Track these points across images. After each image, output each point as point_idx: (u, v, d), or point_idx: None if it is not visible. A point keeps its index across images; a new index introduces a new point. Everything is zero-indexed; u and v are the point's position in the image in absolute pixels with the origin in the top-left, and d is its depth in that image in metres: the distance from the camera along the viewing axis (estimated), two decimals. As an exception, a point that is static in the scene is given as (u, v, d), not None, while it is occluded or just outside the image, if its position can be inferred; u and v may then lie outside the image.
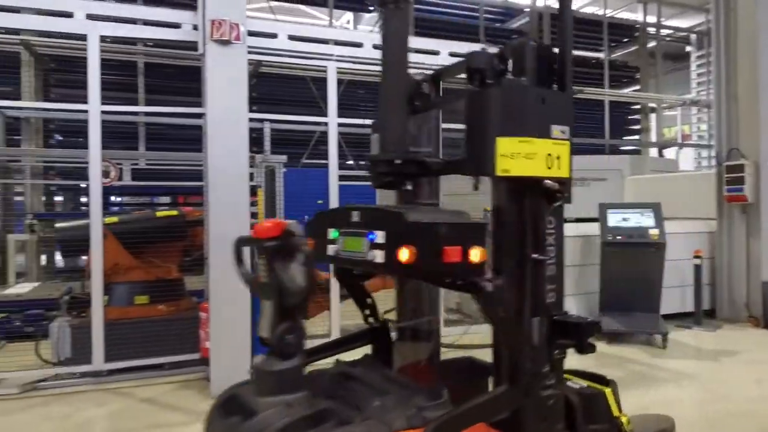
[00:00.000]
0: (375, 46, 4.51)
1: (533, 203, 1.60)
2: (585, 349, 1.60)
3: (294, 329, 1.49)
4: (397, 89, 1.77)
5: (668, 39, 11.98)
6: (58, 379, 4.03)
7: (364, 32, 7.31)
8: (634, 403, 2.66)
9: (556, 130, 1.61)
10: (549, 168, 1.59)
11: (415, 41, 4.48)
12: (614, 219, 5.22)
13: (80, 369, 4.03)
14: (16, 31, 6.28)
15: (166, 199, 7.93)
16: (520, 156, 1.53)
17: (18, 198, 7.49)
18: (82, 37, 3.94)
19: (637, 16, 11.33)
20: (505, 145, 1.52)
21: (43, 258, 7.13)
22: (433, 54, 4.80)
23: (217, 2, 3.82)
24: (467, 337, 4.56)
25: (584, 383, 1.93)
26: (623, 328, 4.96)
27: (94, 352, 3.93)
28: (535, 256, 1.59)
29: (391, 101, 1.76)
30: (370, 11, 9.72)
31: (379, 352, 1.90)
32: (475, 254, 1.42)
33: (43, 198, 7.92)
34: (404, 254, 1.37)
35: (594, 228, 5.27)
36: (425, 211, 1.63)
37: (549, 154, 1.59)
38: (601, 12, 10.64)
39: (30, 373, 4.03)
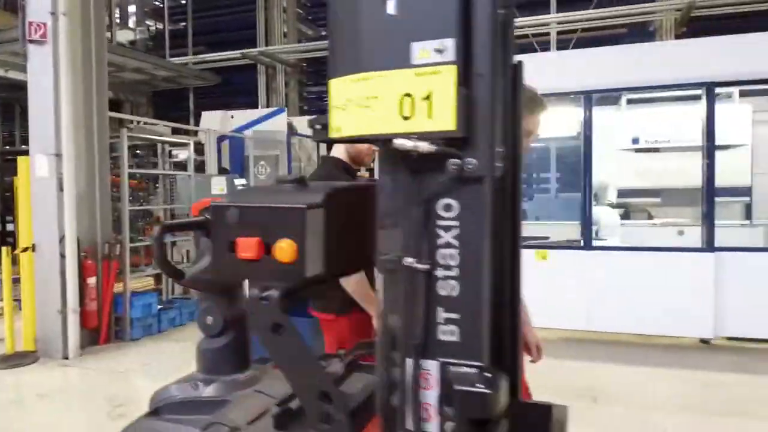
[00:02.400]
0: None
1: (404, 177, 0.98)
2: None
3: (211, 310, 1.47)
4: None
5: None
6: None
7: None
8: None
9: (422, 50, 0.92)
10: (406, 118, 0.94)
11: None
12: None
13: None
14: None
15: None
16: (353, 104, 0.98)
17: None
18: None
19: None
20: (337, 89, 1.00)
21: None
22: None
23: None
24: None
25: None
26: None
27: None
28: (409, 261, 0.99)
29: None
30: None
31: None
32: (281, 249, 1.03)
33: None
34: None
35: None
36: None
37: (407, 95, 0.93)
38: None
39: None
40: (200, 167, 9.41)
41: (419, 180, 0.97)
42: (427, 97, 0.92)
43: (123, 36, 10.89)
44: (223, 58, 11.57)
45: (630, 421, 3.43)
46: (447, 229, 0.97)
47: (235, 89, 12.30)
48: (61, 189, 4.89)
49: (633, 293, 5.00)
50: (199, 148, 11.84)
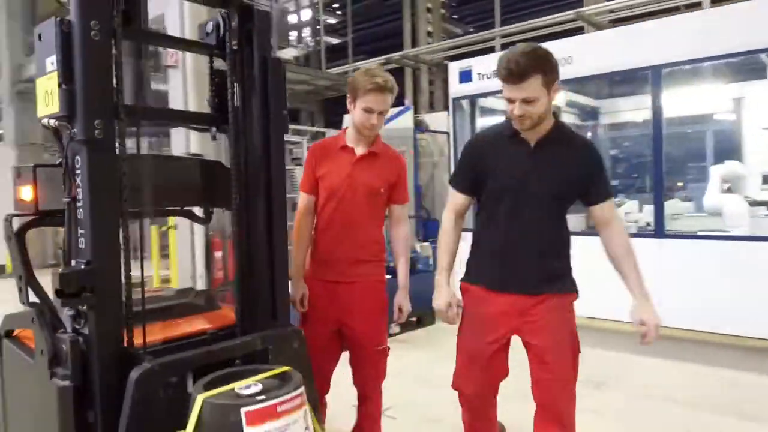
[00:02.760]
0: None
1: (59, 144, 1.56)
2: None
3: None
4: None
5: None
6: None
7: None
8: None
9: (49, 62, 1.48)
10: (47, 106, 1.51)
11: None
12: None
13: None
14: None
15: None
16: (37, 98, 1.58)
17: None
18: None
19: None
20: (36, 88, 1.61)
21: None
22: None
23: None
24: None
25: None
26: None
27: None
28: (65, 198, 1.56)
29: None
30: None
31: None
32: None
33: None
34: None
35: None
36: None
37: (47, 91, 1.50)
38: None
39: None
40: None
41: (63, 145, 1.54)
42: (51, 92, 1.49)
43: (288, 53, 12.69)
44: (370, 65, 12.66)
45: (636, 410, 3.32)
46: (78, 176, 1.52)
47: (387, 92, 13.28)
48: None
49: (710, 287, 4.50)
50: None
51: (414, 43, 12.80)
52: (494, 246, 2.04)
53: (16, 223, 1.70)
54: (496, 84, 5.74)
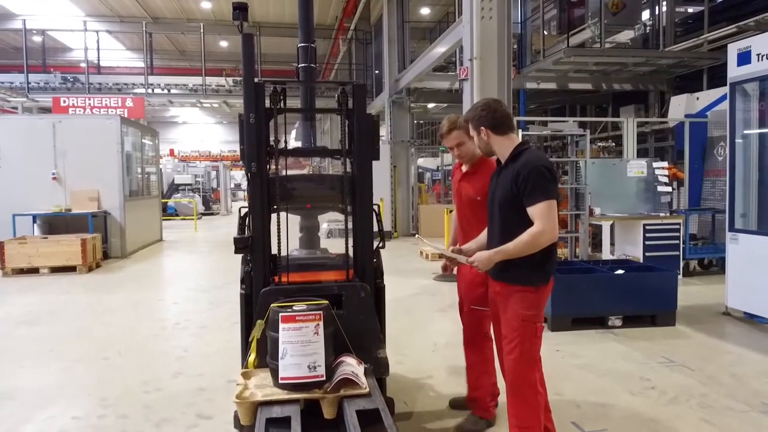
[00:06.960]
0: None
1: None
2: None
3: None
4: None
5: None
6: None
7: None
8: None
9: (239, 135, 3.02)
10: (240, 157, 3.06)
11: None
12: None
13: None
14: None
15: None
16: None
17: None
18: None
19: None
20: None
21: None
22: None
23: None
24: None
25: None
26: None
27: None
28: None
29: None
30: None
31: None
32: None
33: None
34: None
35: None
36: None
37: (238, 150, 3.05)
38: None
39: None
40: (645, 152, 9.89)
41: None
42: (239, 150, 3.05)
43: (625, 36, 12.19)
44: (720, 36, 11.09)
45: None
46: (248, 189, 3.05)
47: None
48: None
49: None
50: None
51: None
52: None
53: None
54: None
